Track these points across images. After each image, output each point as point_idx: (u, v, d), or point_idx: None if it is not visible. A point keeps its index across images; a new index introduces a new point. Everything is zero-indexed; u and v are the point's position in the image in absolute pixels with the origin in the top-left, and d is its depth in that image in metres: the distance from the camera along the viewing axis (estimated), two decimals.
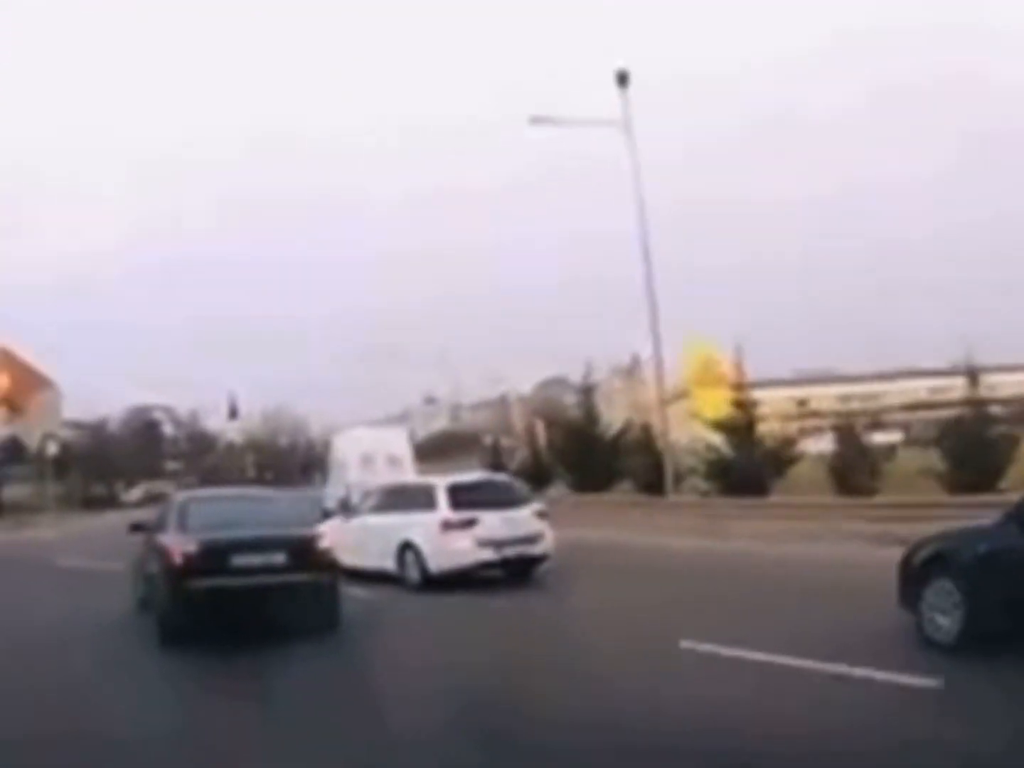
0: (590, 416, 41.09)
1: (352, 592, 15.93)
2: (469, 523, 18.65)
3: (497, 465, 47.94)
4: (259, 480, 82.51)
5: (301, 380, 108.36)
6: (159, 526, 15.33)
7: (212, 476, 73.36)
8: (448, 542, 18.56)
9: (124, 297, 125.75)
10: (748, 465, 33.11)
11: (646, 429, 39.18)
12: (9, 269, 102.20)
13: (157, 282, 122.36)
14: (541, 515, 19.81)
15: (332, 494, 33.77)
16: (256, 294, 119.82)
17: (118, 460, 70.08)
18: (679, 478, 35.96)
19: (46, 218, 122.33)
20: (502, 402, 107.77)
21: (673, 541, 26.47)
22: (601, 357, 42.63)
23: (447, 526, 18.65)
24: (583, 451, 40.01)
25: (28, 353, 76.26)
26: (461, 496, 19.05)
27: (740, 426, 34.07)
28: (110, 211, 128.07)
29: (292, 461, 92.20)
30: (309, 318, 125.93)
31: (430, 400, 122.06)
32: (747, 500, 31.58)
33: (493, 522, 18.78)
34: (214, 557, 13.30)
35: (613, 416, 45.84)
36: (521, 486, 22.64)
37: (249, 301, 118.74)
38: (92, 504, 60.46)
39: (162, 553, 13.99)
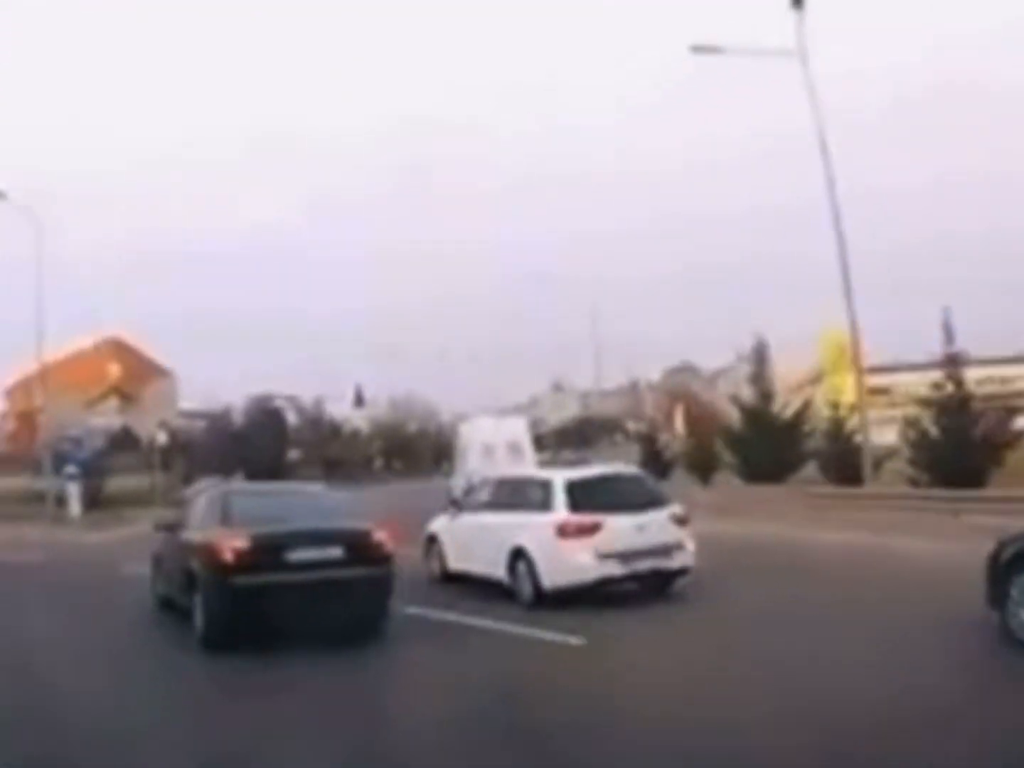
0: (764, 396, 35.59)
1: (442, 618, 14.71)
2: (591, 529, 15.44)
3: (652, 453, 43.19)
4: (387, 468, 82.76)
5: (429, 368, 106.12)
6: (188, 523, 14.95)
7: (336, 465, 71.79)
8: (565, 552, 15.41)
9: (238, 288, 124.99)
10: (961, 449, 27.38)
11: (835, 407, 33.42)
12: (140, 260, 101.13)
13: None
14: (680, 520, 16.31)
15: (457, 484, 33.30)
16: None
17: (238, 449, 65.62)
18: (875, 464, 30.43)
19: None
20: (632, 389, 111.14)
21: (880, 540, 21.77)
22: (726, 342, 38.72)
23: (564, 532, 15.45)
24: (757, 435, 34.63)
25: (147, 343, 74.41)
26: (582, 495, 15.86)
27: (952, 405, 28.33)
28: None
29: (422, 449, 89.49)
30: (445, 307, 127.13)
31: (558, 388, 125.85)
32: (964, 491, 25.96)
33: (621, 528, 15.53)
34: (268, 552, 12.69)
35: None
36: (656, 483, 19.23)
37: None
38: None
39: (205, 550, 13.24)
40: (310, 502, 15.06)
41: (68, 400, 64.10)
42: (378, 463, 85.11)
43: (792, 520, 26.18)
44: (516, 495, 16.95)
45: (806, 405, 37.30)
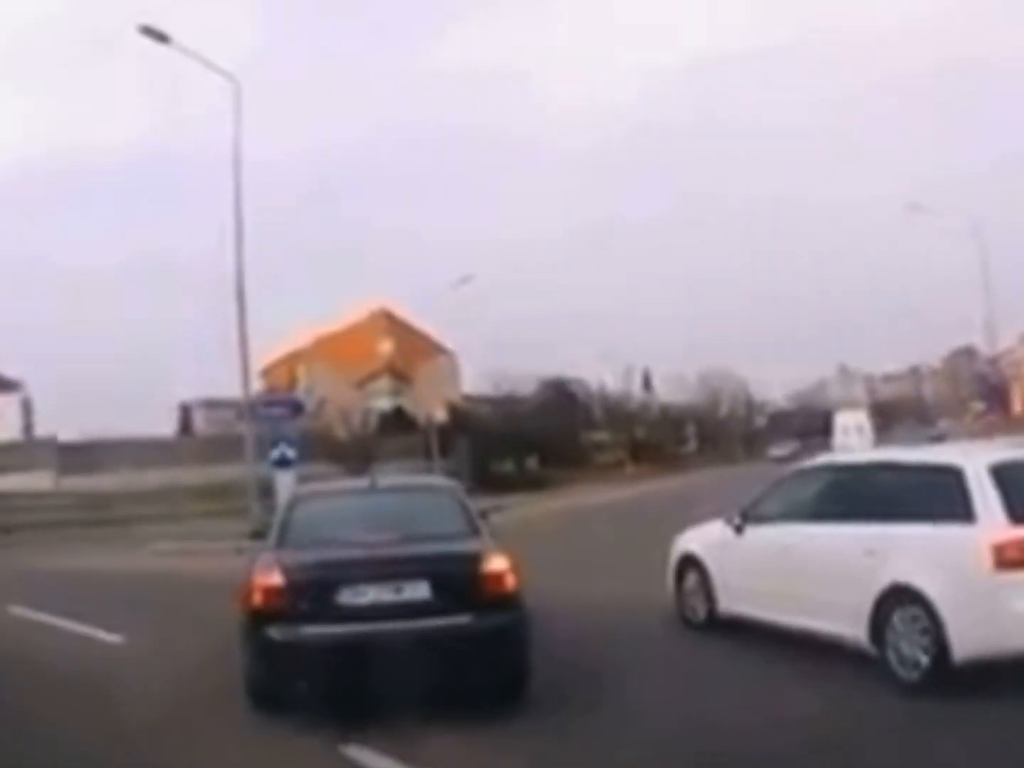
0: None
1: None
2: None
3: None
4: (700, 451, 79.26)
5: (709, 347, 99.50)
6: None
7: (642, 449, 68.75)
8: (1003, 595, 8.51)
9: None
10: None
11: None
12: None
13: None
14: None
15: None
16: None
17: (529, 433, 61.15)
18: None
19: None
20: (913, 373, 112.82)
21: None
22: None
23: (1004, 559, 8.56)
24: None
25: (421, 316, 69.66)
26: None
27: None
28: None
29: (733, 430, 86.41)
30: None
31: (844, 370, 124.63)
32: None
33: None
34: (311, 591, 8.81)
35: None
36: None
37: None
38: (492, 483, 47.49)
39: (241, 585, 9.57)
40: (400, 508, 10.19)
41: (334, 378, 59.81)
42: (691, 445, 79.60)
43: None
44: (880, 493, 10.12)
45: None
